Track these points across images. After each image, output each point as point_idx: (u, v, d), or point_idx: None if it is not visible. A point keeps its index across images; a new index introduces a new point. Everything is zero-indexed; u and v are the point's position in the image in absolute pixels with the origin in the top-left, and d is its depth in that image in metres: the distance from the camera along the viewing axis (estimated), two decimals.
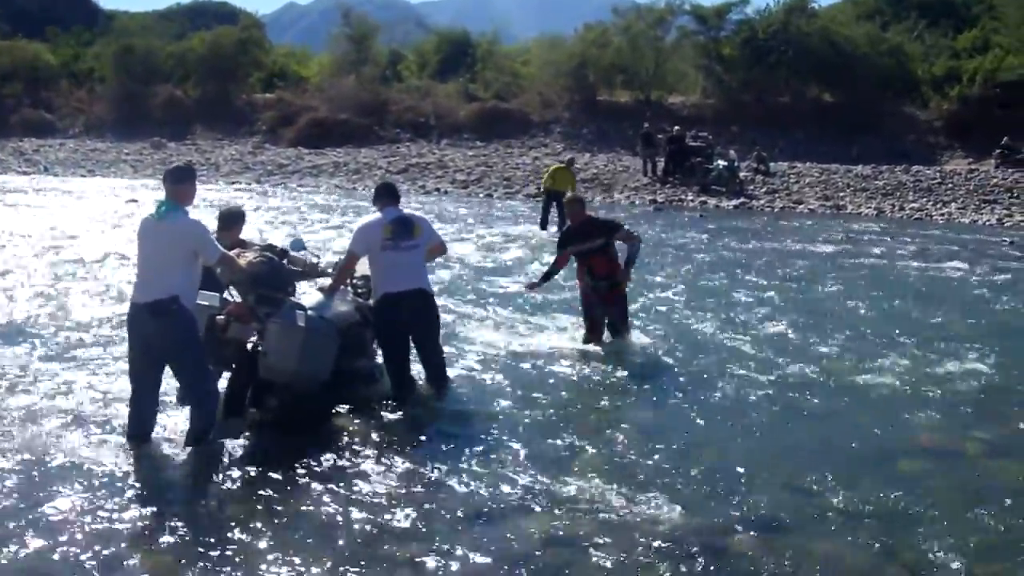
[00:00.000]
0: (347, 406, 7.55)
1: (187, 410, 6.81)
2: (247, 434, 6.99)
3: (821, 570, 5.14)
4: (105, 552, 5.14)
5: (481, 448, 6.86)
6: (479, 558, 5.17)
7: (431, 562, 5.12)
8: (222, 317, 7.01)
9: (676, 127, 33.46)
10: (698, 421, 7.75)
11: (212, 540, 5.27)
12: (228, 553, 5.14)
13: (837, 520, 5.76)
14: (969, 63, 37.98)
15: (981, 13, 42.10)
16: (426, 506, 5.85)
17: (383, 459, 6.60)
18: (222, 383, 7.25)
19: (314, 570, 5.00)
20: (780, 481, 6.35)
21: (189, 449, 6.60)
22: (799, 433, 7.49)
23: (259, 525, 5.50)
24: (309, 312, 7.18)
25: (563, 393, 8.46)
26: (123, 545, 5.25)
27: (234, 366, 7.29)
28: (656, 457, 6.74)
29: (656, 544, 5.36)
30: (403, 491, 6.08)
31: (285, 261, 7.64)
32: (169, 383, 6.90)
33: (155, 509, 5.70)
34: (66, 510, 5.65)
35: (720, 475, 6.44)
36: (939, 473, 6.60)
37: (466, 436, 7.13)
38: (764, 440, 7.30)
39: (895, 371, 9.21)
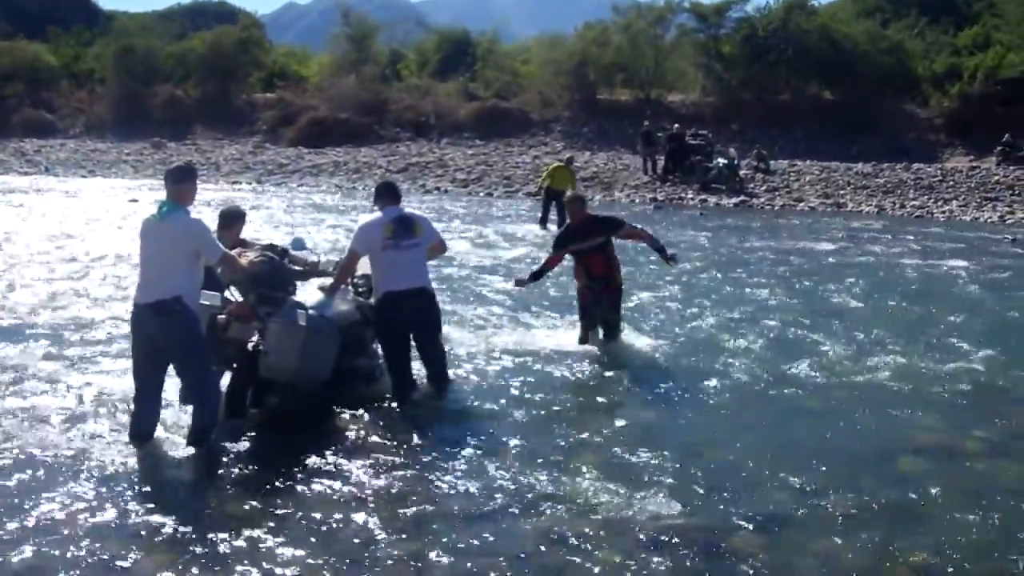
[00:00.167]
0: (348, 405, 7.56)
1: (189, 409, 6.82)
2: (248, 433, 7.00)
3: (821, 569, 5.15)
4: (107, 551, 5.15)
5: (481, 447, 6.86)
6: (479, 557, 5.18)
7: (431, 561, 5.13)
8: (223, 317, 7.02)
9: (676, 125, 33.45)
10: (698, 420, 7.76)
11: (213, 539, 5.28)
12: (229, 552, 5.15)
13: (837, 519, 5.76)
14: (970, 60, 37.93)
15: (982, 10, 41.99)
16: (426, 505, 5.86)
17: (383, 458, 6.60)
18: (224, 382, 7.27)
19: (314, 569, 5.01)
20: (780, 480, 6.35)
21: (191, 448, 6.61)
22: (799, 432, 7.49)
23: (260, 524, 5.51)
24: (310, 311, 7.19)
25: (563, 392, 8.46)
26: (125, 544, 5.26)
27: (235, 365, 7.30)
28: (656, 456, 6.74)
29: (656, 543, 5.36)
30: (403, 490, 6.08)
31: (286, 260, 7.65)
32: (172, 382, 6.90)
33: (157, 508, 5.70)
34: (67, 509, 5.65)
35: (720, 474, 6.45)
36: (939, 472, 6.59)
37: (466, 435, 7.13)
38: (764, 439, 7.29)
39: (895, 370, 9.20)
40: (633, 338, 10.12)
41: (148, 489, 6.07)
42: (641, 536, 5.45)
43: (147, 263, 6.55)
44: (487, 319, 11.14)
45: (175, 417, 7.01)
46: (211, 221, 7.06)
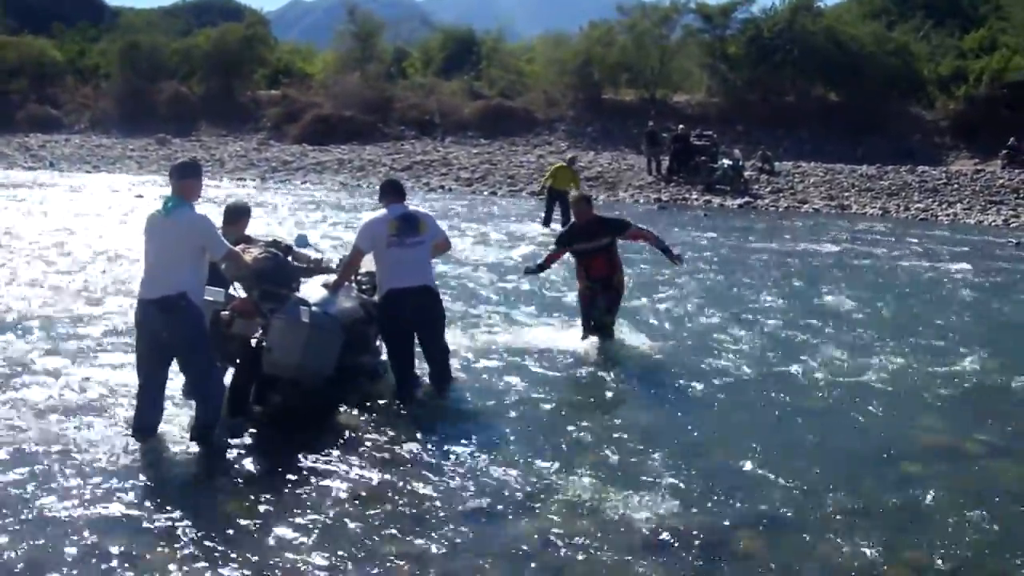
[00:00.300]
0: (350, 402, 7.57)
1: (193, 405, 6.83)
2: (251, 430, 7.01)
3: (822, 569, 5.16)
4: (108, 546, 5.16)
5: (483, 446, 6.87)
6: (480, 556, 5.19)
7: (433, 559, 5.14)
8: (227, 313, 7.03)
9: (681, 126, 33.43)
10: (699, 420, 7.76)
11: (215, 534, 5.30)
12: (231, 547, 5.16)
13: (838, 520, 5.76)
14: (976, 63, 37.88)
15: (988, 13, 41.97)
16: (428, 503, 5.87)
17: (385, 456, 6.61)
18: (227, 378, 7.28)
19: (316, 565, 5.02)
20: (781, 480, 6.35)
21: (194, 444, 6.62)
22: (800, 432, 7.48)
23: (262, 520, 5.53)
24: (313, 308, 7.20)
25: (565, 392, 8.47)
26: (126, 539, 5.27)
27: (239, 361, 7.31)
28: (657, 456, 6.75)
29: (656, 543, 5.38)
30: (404, 488, 6.09)
31: (289, 257, 7.66)
32: (175, 378, 6.91)
33: (159, 503, 5.71)
34: (69, 503, 5.67)
35: (721, 474, 6.45)
36: (940, 473, 6.60)
37: (468, 434, 7.14)
38: (765, 439, 7.29)
39: (897, 371, 9.20)
40: (634, 338, 10.12)
41: (150, 484, 6.08)
42: (641, 536, 5.46)
43: (152, 259, 6.55)
44: (489, 318, 11.15)
45: (178, 413, 7.02)
46: (215, 217, 7.07)
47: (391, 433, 7.05)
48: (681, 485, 6.20)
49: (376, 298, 8.00)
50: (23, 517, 5.46)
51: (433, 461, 6.55)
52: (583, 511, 5.77)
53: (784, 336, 10.75)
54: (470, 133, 41.59)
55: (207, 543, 5.20)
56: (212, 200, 17.84)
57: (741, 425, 7.60)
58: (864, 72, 37.96)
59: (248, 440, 6.83)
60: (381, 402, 7.71)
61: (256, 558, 5.06)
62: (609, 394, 8.45)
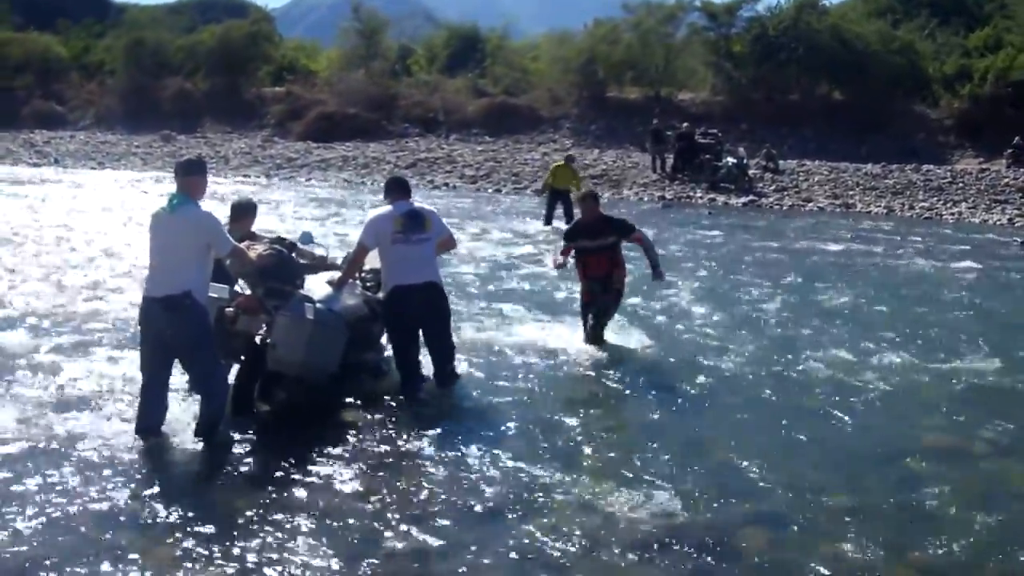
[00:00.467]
0: (354, 399, 7.58)
1: (198, 400, 6.84)
2: (255, 427, 7.02)
3: (826, 568, 5.15)
4: (113, 542, 5.18)
5: (486, 444, 6.88)
6: (483, 554, 5.19)
7: (435, 557, 5.15)
8: (231, 310, 7.04)
9: (685, 124, 33.38)
10: (702, 419, 7.76)
11: (219, 531, 5.31)
12: (235, 544, 5.17)
13: (842, 519, 5.76)
14: (980, 62, 37.79)
15: (993, 12, 41.83)
16: (431, 501, 5.87)
17: (388, 453, 6.62)
18: (231, 375, 7.29)
19: (318, 562, 5.03)
20: (785, 479, 6.35)
21: (198, 441, 6.63)
22: (804, 431, 7.47)
23: (265, 517, 5.53)
24: (318, 305, 7.20)
25: (568, 390, 8.47)
26: (130, 536, 5.29)
27: (243, 358, 7.32)
28: (661, 455, 6.76)
29: (660, 541, 5.38)
30: (408, 485, 6.10)
31: (294, 254, 7.66)
32: (179, 375, 6.92)
33: (163, 500, 5.73)
34: (73, 500, 5.68)
35: (724, 473, 6.46)
36: (945, 473, 6.60)
37: (471, 432, 7.15)
38: (768, 438, 7.30)
39: (901, 370, 9.20)
40: (636, 336, 10.12)
41: (154, 480, 6.09)
42: (642, 535, 5.46)
43: (157, 256, 6.56)
44: (491, 316, 11.13)
45: (183, 410, 7.02)
46: (220, 214, 7.07)
47: (395, 430, 7.06)
48: (682, 484, 6.20)
49: (381, 295, 8.01)
50: (26, 513, 5.47)
51: (436, 459, 6.55)
52: (584, 510, 5.78)
53: (787, 335, 10.75)
54: (474, 131, 41.56)
55: (210, 539, 5.21)
56: (217, 197, 17.83)
57: (743, 424, 7.60)
58: (869, 70, 37.87)
59: (252, 437, 6.84)
60: (385, 399, 7.71)
61: (259, 554, 5.07)
62: (611, 393, 8.45)
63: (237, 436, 6.78)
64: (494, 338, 9.96)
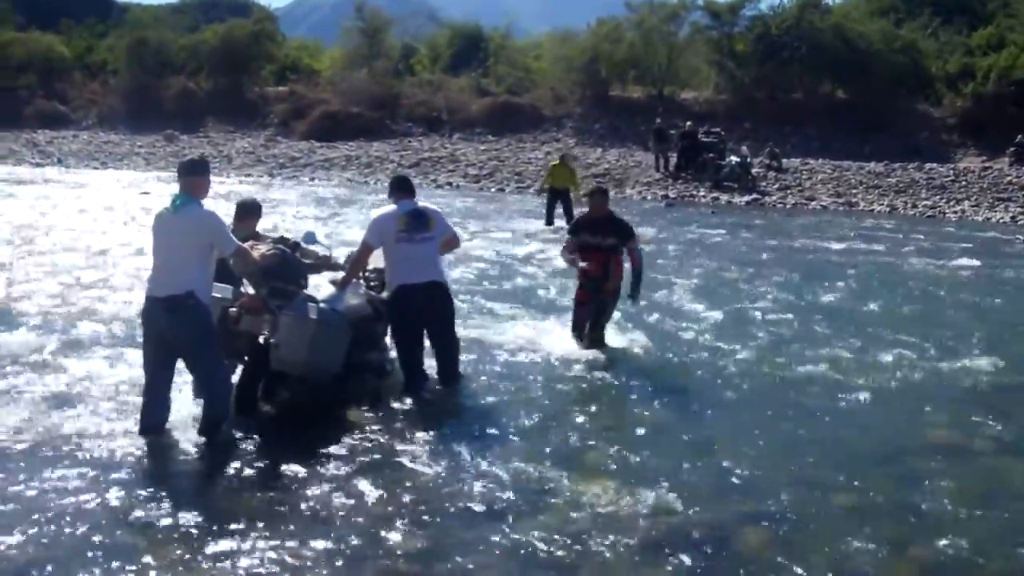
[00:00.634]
0: (358, 399, 7.58)
1: (200, 400, 6.85)
2: (258, 426, 7.03)
3: (828, 567, 5.15)
4: (115, 542, 5.18)
5: (488, 444, 6.88)
6: (486, 553, 5.20)
7: (437, 556, 5.15)
8: (235, 309, 7.04)
9: (688, 123, 33.38)
10: (704, 418, 7.76)
11: (221, 531, 5.31)
12: (237, 544, 5.17)
13: (845, 517, 5.77)
14: (983, 60, 37.76)
15: (996, 10, 41.79)
16: (433, 501, 5.87)
17: (391, 453, 6.63)
18: (235, 375, 7.30)
19: (321, 561, 5.03)
20: (788, 478, 6.35)
21: (201, 440, 6.64)
22: (806, 430, 7.47)
23: (268, 516, 5.54)
24: (321, 305, 7.21)
25: (571, 390, 8.46)
26: (132, 535, 5.29)
27: (246, 358, 7.32)
28: (662, 454, 6.76)
29: (663, 540, 5.38)
30: (410, 485, 6.10)
31: (297, 254, 7.67)
32: (182, 374, 6.93)
33: (165, 499, 5.73)
34: (75, 500, 5.68)
35: (727, 472, 6.45)
36: (948, 471, 6.59)
37: (474, 432, 7.15)
38: (771, 437, 7.29)
39: (903, 368, 9.20)
40: (638, 336, 10.11)
41: (157, 481, 6.09)
42: (645, 534, 5.46)
43: (160, 256, 6.56)
44: (494, 316, 11.14)
45: (186, 410, 7.03)
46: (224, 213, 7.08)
47: (397, 430, 7.06)
48: (683, 483, 6.20)
49: (385, 294, 8.02)
50: (27, 513, 5.48)
51: (438, 459, 6.55)
52: (586, 509, 5.77)
53: (789, 333, 10.74)
54: (478, 130, 41.58)
55: (212, 539, 5.21)
56: (220, 196, 17.85)
57: (743, 423, 7.59)
58: (872, 69, 37.85)
59: (255, 436, 6.84)
60: (388, 399, 7.72)
61: (261, 554, 5.07)
62: (612, 392, 8.45)
63: (240, 436, 6.79)
64: (496, 337, 9.95)
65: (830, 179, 30.51)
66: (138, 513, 5.55)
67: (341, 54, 51.37)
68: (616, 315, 9.86)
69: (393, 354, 8.19)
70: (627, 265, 9.49)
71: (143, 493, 5.84)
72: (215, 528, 5.33)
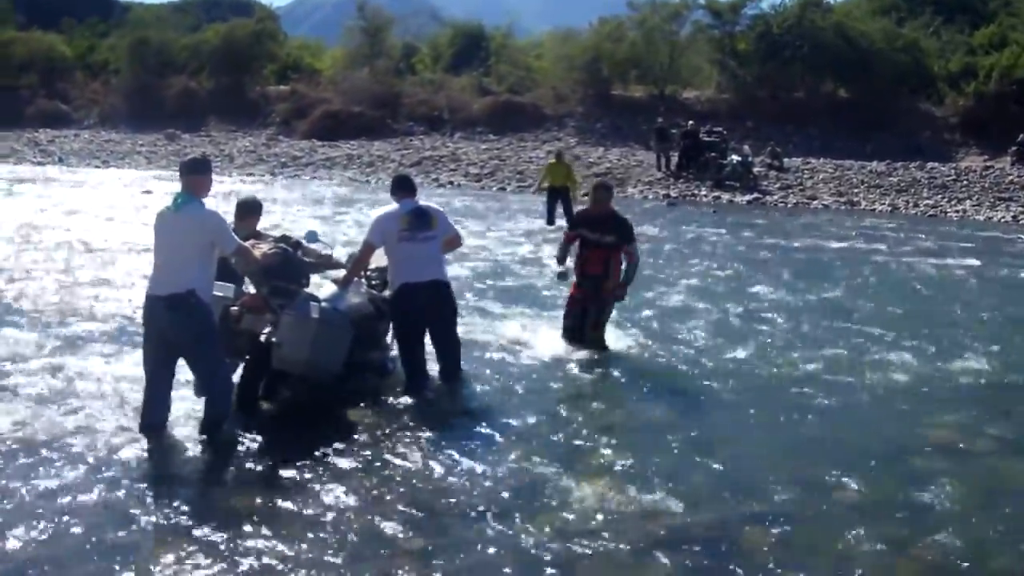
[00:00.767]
0: (359, 398, 7.59)
1: (201, 399, 6.85)
2: (259, 425, 7.03)
3: (831, 566, 5.15)
4: (115, 540, 5.18)
5: (489, 444, 6.89)
6: (486, 552, 5.19)
7: (439, 554, 5.15)
8: (236, 308, 7.05)
9: (690, 122, 33.38)
10: (706, 417, 7.76)
11: (222, 530, 5.30)
12: (237, 543, 5.17)
13: (847, 516, 5.75)
14: (985, 59, 37.74)
15: (998, 9, 41.78)
16: (435, 500, 5.87)
17: (393, 452, 6.62)
18: (236, 374, 7.30)
19: (321, 561, 5.03)
20: (790, 477, 6.35)
21: (202, 439, 6.64)
22: (809, 430, 7.47)
23: (269, 515, 5.54)
24: (323, 304, 7.21)
25: (571, 389, 8.46)
26: (133, 534, 5.29)
27: (247, 357, 7.32)
28: (664, 453, 6.76)
29: (665, 539, 5.37)
30: (412, 484, 6.10)
31: (299, 253, 7.66)
32: (183, 372, 6.93)
33: (166, 498, 5.73)
34: (77, 498, 5.69)
35: (729, 471, 6.45)
36: (951, 470, 6.58)
37: (476, 431, 7.16)
38: (773, 436, 7.30)
39: (906, 368, 9.19)
40: (641, 335, 10.10)
41: (157, 480, 6.09)
42: (648, 533, 5.45)
43: (161, 255, 6.56)
44: (495, 315, 11.12)
45: (187, 408, 7.03)
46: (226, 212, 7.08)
47: (399, 429, 7.06)
48: (685, 482, 6.20)
49: (387, 293, 8.02)
50: (28, 511, 5.48)
51: (440, 458, 6.55)
52: (587, 509, 5.77)
53: (790, 332, 10.73)
54: (479, 129, 41.56)
55: (213, 538, 5.21)
56: (222, 195, 17.84)
57: (745, 422, 7.59)
58: (874, 68, 37.84)
59: (256, 435, 6.84)
60: (390, 398, 7.72)
61: (262, 553, 5.07)
62: (613, 391, 8.46)
63: (241, 435, 6.79)
64: (496, 337, 9.94)
65: (832, 178, 30.50)
66: (138, 512, 5.56)
67: (343, 53, 51.38)
68: (614, 315, 9.83)
69: (394, 353, 8.19)
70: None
71: (143, 492, 5.84)
72: (215, 527, 5.33)
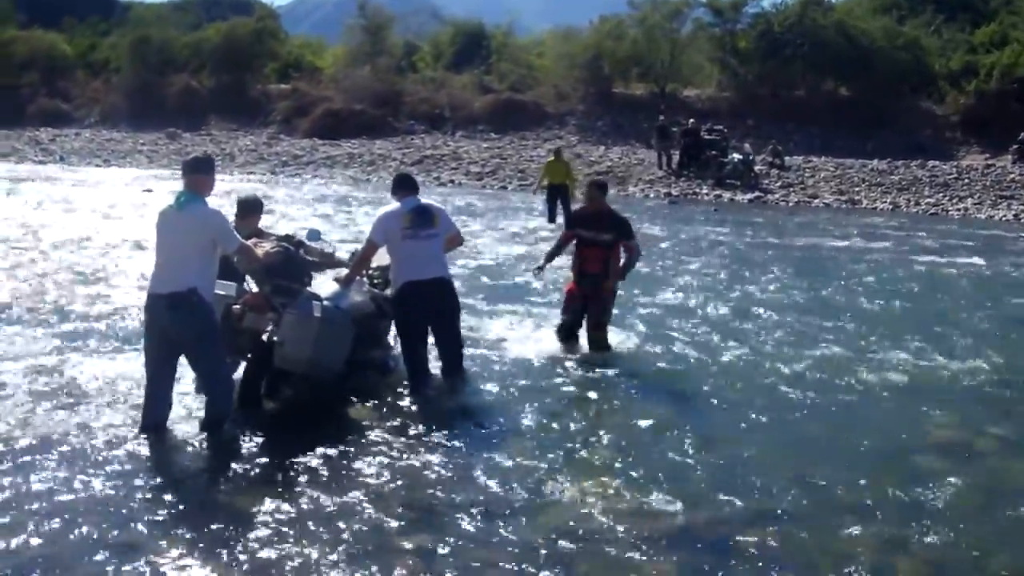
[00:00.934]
0: (361, 396, 7.59)
1: (203, 398, 6.86)
2: (261, 424, 7.03)
3: (832, 564, 5.15)
4: (116, 539, 5.18)
5: (491, 442, 6.90)
6: (489, 549, 5.19)
7: (440, 552, 5.15)
8: (238, 307, 7.05)
9: (691, 120, 33.40)
10: (707, 416, 7.76)
11: (223, 528, 5.31)
12: (238, 541, 5.17)
13: (848, 515, 5.75)
14: (986, 58, 37.73)
15: (999, 8, 41.73)
16: (435, 498, 5.88)
17: (395, 450, 6.62)
18: (238, 373, 7.31)
19: (324, 558, 5.03)
20: (791, 476, 6.35)
21: (204, 437, 6.65)
22: (810, 428, 7.47)
23: (271, 513, 5.54)
24: (325, 302, 7.21)
25: (573, 388, 8.45)
26: (134, 532, 5.28)
27: (249, 356, 7.33)
28: (666, 452, 6.76)
29: (667, 538, 5.38)
30: (413, 482, 6.11)
31: (301, 251, 7.67)
32: (185, 371, 6.93)
33: (166, 497, 5.73)
34: (78, 496, 5.69)
35: (730, 470, 6.45)
36: (952, 469, 6.57)
37: (477, 430, 7.17)
38: (774, 435, 7.30)
39: (907, 367, 9.19)
40: (642, 334, 10.10)
41: (158, 479, 6.10)
42: (650, 531, 5.45)
43: (163, 253, 6.56)
44: (497, 313, 11.12)
45: (188, 407, 7.04)
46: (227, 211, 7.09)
47: (400, 428, 7.06)
48: (686, 481, 6.21)
49: (390, 292, 8.02)
50: (30, 510, 5.49)
51: (441, 456, 6.55)
52: (589, 507, 5.77)
53: (791, 331, 10.73)
54: (480, 127, 41.58)
55: (214, 537, 5.21)
56: (225, 194, 17.86)
57: (751, 421, 7.58)
58: (875, 67, 37.84)
59: (257, 434, 6.84)
60: (391, 397, 7.72)
61: (263, 551, 5.07)
62: (616, 390, 8.45)
63: (242, 433, 6.79)
64: (497, 335, 9.95)
65: (833, 177, 30.50)
66: (138, 510, 5.56)
67: (344, 51, 51.36)
68: (620, 314, 9.83)
69: (396, 352, 8.20)
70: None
71: (144, 490, 5.84)
72: (216, 525, 5.33)
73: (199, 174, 6.60)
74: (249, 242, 6.94)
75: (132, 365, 8.02)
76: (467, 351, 8.59)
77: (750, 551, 5.25)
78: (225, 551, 5.07)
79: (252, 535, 5.25)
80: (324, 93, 46.20)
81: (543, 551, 5.18)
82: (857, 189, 29.16)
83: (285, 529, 5.34)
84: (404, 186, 8.09)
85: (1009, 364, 9.41)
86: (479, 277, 13.65)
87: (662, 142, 32.10)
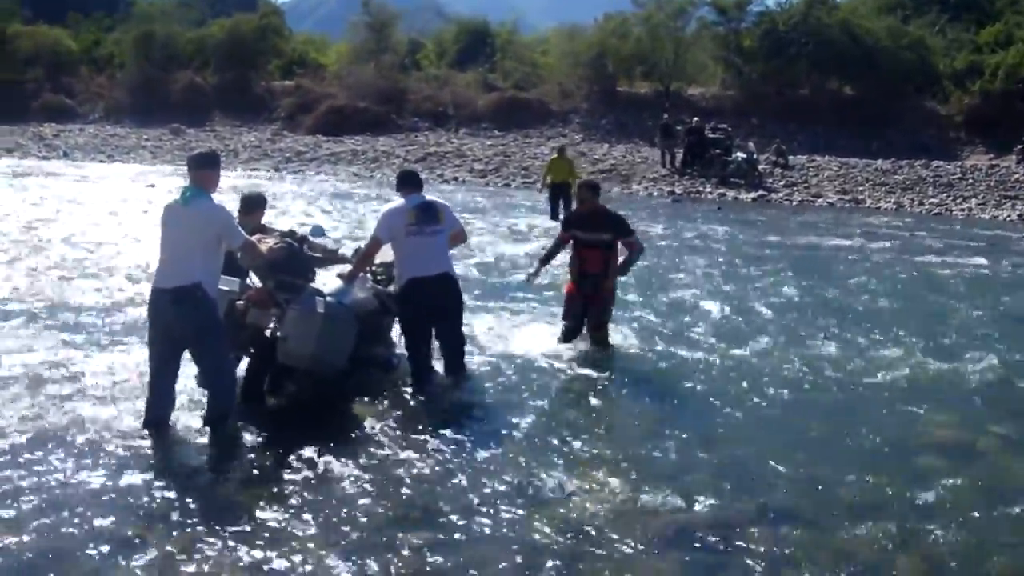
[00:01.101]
0: (363, 393, 7.60)
1: (206, 393, 6.87)
2: (264, 419, 7.05)
3: (833, 563, 5.16)
4: (118, 534, 5.21)
5: (494, 439, 6.91)
6: (491, 547, 5.21)
7: (442, 550, 5.16)
8: (241, 303, 7.07)
9: (695, 118, 33.33)
10: (709, 415, 7.75)
11: (225, 524, 5.33)
12: (242, 536, 5.20)
13: (850, 513, 5.77)
14: (991, 58, 37.65)
15: (1004, 7, 41.64)
16: (437, 496, 5.89)
17: (397, 447, 6.64)
18: (241, 368, 7.32)
19: (326, 555, 5.05)
20: (792, 475, 6.36)
21: (207, 432, 6.66)
22: (811, 427, 7.48)
23: (273, 509, 5.56)
24: (328, 298, 7.22)
25: (574, 386, 8.45)
26: (136, 528, 5.31)
27: (252, 351, 7.35)
28: (667, 450, 6.77)
29: (668, 536, 5.39)
30: (416, 479, 6.12)
31: (305, 247, 7.69)
32: (188, 366, 6.94)
33: (169, 492, 5.76)
34: (84, 490, 5.72)
35: (732, 468, 6.46)
36: (954, 468, 6.59)
37: (479, 427, 7.19)
38: (776, 434, 7.31)
39: (910, 366, 9.19)
40: (642, 333, 10.10)
41: (161, 474, 6.11)
42: (651, 530, 5.47)
43: (168, 248, 6.58)
44: (498, 312, 11.12)
45: (191, 403, 7.05)
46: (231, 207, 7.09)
47: (403, 425, 7.08)
48: (688, 479, 6.22)
49: (394, 287, 8.03)
50: (32, 505, 5.52)
51: (443, 454, 6.57)
52: (590, 506, 5.79)
53: (793, 330, 10.73)
54: (484, 125, 41.53)
55: (216, 532, 5.23)
56: (229, 189, 17.86)
57: (752, 420, 7.59)
58: (879, 66, 37.75)
59: (260, 430, 6.86)
60: (394, 394, 7.74)
61: (265, 547, 5.09)
62: (617, 389, 8.46)
63: (245, 429, 6.81)
64: (500, 333, 9.96)
65: (836, 176, 30.47)
66: (141, 506, 5.58)
67: (348, 49, 51.32)
68: (621, 313, 9.82)
69: (400, 348, 8.21)
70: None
71: (147, 487, 5.86)
72: (218, 520, 5.36)
73: (205, 170, 6.62)
74: (253, 238, 6.95)
75: (134, 359, 8.04)
76: (470, 349, 8.61)
77: (750, 551, 5.26)
78: (225, 546, 5.09)
79: (253, 531, 5.27)
80: (328, 90, 46.16)
81: (543, 549, 5.20)
82: (861, 188, 29.13)
83: (286, 525, 5.36)
84: (409, 182, 8.10)
85: (1011, 363, 9.40)
86: (481, 275, 13.66)
87: (666, 140, 32.09)
